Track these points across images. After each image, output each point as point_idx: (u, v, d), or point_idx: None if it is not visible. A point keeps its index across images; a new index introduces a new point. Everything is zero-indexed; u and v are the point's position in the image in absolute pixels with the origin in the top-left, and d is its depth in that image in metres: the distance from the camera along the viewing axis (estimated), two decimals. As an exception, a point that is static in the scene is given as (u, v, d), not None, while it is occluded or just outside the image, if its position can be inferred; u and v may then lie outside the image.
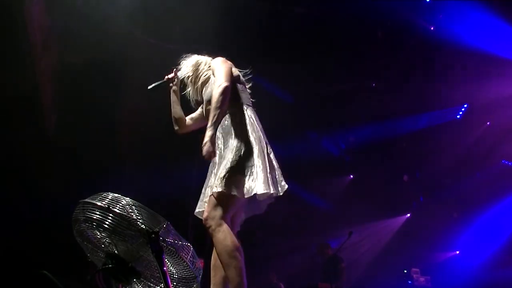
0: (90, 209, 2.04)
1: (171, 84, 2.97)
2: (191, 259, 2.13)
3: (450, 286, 8.40)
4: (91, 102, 5.87)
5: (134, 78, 5.93)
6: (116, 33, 5.73)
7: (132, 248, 2.08)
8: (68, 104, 5.92)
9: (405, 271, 8.23)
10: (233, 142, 2.57)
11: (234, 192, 2.45)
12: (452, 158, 9.06)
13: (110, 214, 2.00)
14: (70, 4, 5.27)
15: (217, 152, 2.62)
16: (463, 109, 8.65)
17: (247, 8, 6.25)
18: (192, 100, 3.01)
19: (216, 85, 2.62)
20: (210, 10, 5.60)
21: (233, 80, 2.73)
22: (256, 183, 2.47)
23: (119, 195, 2.06)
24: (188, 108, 3.04)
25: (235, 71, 2.82)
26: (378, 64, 7.56)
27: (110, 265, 2.11)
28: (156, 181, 6.46)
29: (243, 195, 2.46)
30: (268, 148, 2.67)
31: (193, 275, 2.17)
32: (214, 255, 2.60)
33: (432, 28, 6.93)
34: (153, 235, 1.96)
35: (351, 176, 10.50)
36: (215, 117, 2.54)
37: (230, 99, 2.65)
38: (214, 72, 2.75)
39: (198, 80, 2.90)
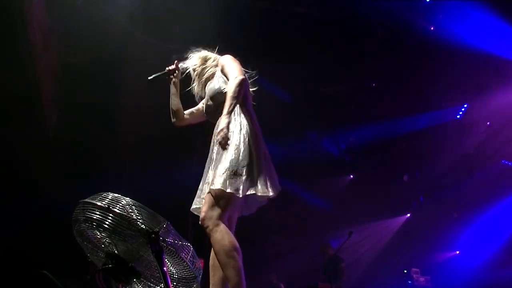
0: (90, 209, 2.04)
1: (171, 76, 2.97)
2: (191, 259, 2.13)
3: (450, 286, 8.41)
4: (91, 102, 5.87)
5: (134, 78, 5.92)
6: (116, 33, 5.74)
7: (132, 248, 2.08)
8: (68, 104, 5.93)
9: (405, 271, 8.24)
10: (233, 141, 2.56)
11: (232, 191, 2.45)
12: (452, 158, 9.06)
13: (110, 214, 2.00)
14: (70, 4, 5.27)
15: (215, 148, 2.62)
16: (463, 109, 8.63)
17: (247, 8, 6.25)
18: (197, 95, 3.01)
19: (232, 77, 2.64)
20: (210, 10, 5.60)
21: None
22: (256, 183, 2.48)
23: (119, 195, 2.06)
24: (188, 104, 3.04)
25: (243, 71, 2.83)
26: (378, 64, 7.55)
27: (110, 265, 2.11)
28: (156, 181, 6.46)
29: (241, 194, 2.46)
30: (265, 149, 2.69)
31: (193, 275, 2.17)
32: (212, 255, 2.60)
33: (432, 28, 6.92)
34: (153, 235, 1.96)
35: (351, 176, 10.50)
36: (231, 106, 2.55)
37: None
38: (225, 67, 2.76)
39: (203, 74, 2.90)
